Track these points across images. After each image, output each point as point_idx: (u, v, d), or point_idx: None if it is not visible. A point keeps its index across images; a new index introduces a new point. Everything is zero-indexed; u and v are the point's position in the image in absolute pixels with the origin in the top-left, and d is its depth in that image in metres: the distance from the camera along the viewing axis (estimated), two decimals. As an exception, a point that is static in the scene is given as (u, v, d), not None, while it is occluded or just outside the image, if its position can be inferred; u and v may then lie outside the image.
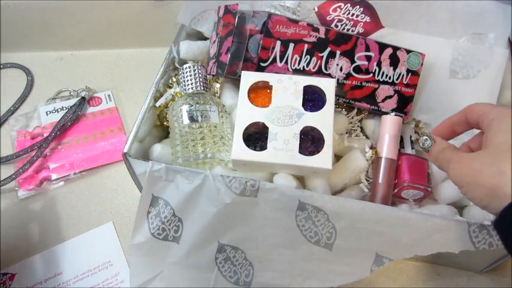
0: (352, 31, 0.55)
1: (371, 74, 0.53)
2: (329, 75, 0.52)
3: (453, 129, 0.43)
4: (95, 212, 0.60)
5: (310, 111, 0.47)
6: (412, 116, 0.56)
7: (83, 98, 0.69)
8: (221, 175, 0.44)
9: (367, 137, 0.56)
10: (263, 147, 0.46)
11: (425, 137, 0.41)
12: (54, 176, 0.62)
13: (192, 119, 0.49)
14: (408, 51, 0.54)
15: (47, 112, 0.68)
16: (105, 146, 0.66)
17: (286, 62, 0.51)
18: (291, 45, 0.50)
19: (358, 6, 0.55)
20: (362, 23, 0.55)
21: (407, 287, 0.53)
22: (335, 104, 0.48)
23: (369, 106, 0.54)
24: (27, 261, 0.55)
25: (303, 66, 0.51)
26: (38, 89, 0.73)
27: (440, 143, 0.40)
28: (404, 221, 0.43)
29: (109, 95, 0.72)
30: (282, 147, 0.45)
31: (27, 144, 0.64)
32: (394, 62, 0.53)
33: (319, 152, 0.45)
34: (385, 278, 0.54)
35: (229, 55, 0.50)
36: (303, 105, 0.47)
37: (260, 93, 0.49)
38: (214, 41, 0.54)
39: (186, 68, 0.52)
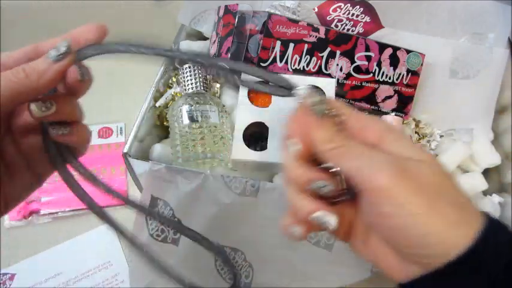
0: (352, 31, 0.55)
1: (371, 74, 0.53)
2: (329, 75, 0.52)
3: None
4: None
5: (310, 111, 0.47)
6: (412, 116, 0.56)
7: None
8: (221, 175, 0.44)
9: (367, 137, 0.55)
10: (263, 147, 0.46)
11: (320, 183, 0.27)
12: (43, 211, 0.59)
13: (192, 119, 0.49)
14: (408, 51, 0.54)
15: None
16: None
17: (286, 62, 0.51)
18: (291, 45, 0.50)
19: (358, 6, 0.55)
20: (362, 23, 0.55)
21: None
22: (335, 104, 0.48)
23: (369, 106, 0.54)
24: (27, 261, 0.55)
25: (303, 66, 0.51)
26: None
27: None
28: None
29: (121, 128, 0.67)
30: (282, 147, 0.45)
31: None
32: (394, 62, 0.53)
33: (319, 152, 0.45)
34: (385, 278, 0.54)
35: (229, 55, 0.50)
36: (303, 105, 0.47)
37: (260, 93, 0.49)
38: (214, 41, 0.54)
39: (186, 68, 0.52)
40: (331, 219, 0.26)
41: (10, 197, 0.29)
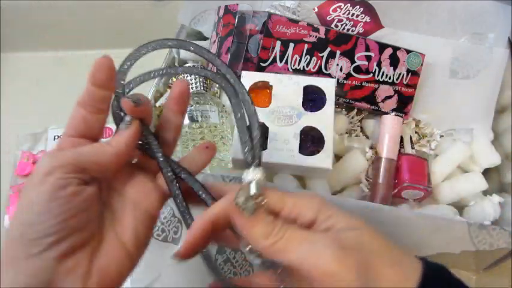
0: (352, 31, 0.55)
1: (371, 74, 0.53)
2: (329, 75, 0.52)
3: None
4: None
5: (310, 111, 0.47)
6: (412, 116, 0.56)
7: None
8: (221, 175, 0.44)
9: (367, 137, 0.56)
10: (263, 147, 0.46)
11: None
12: None
13: (192, 119, 0.49)
14: (408, 51, 0.54)
15: (54, 137, 0.64)
16: None
17: (286, 62, 0.51)
18: (291, 45, 0.50)
19: (358, 6, 0.55)
20: (362, 23, 0.55)
21: (408, 287, 0.53)
22: (335, 104, 0.48)
23: (369, 106, 0.54)
24: (27, 261, 0.55)
25: (303, 66, 0.51)
26: (39, 89, 0.73)
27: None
28: (405, 221, 0.43)
29: None
30: (282, 147, 0.45)
31: (28, 168, 0.63)
32: (394, 62, 0.53)
33: (319, 152, 0.45)
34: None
35: (229, 55, 0.50)
36: (303, 105, 0.47)
37: (260, 93, 0.49)
38: (214, 41, 0.54)
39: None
40: None
41: (124, 236, 0.29)
